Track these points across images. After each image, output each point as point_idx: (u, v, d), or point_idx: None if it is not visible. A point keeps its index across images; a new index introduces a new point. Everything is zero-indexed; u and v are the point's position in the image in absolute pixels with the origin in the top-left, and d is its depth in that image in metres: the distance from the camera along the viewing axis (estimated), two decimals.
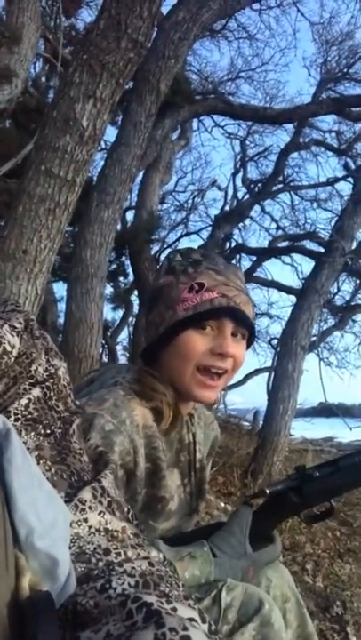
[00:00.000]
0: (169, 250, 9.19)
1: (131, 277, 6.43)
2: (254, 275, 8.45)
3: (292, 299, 5.77)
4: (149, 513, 0.88)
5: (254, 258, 8.42)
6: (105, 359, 7.43)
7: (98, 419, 0.78)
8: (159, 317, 0.87)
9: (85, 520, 0.41)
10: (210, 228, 8.71)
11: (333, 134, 7.56)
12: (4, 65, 3.25)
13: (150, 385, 0.87)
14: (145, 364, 0.93)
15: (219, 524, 0.93)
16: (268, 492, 0.92)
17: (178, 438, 0.93)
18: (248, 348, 0.92)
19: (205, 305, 0.83)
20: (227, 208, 9.19)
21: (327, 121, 7.52)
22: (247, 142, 8.94)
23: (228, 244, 9.00)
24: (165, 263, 0.91)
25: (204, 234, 9.18)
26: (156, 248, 6.95)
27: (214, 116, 7.45)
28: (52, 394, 0.48)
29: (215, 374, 0.85)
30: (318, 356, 6.13)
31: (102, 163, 3.69)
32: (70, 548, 0.39)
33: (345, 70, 6.83)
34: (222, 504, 3.55)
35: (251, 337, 0.90)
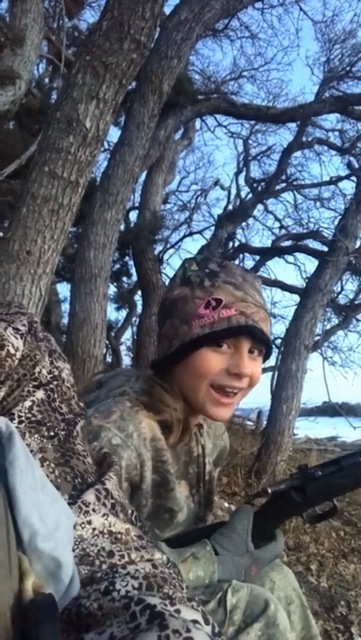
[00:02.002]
0: (173, 250, 9.18)
1: (134, 277, 6.43)
2: (258, 274, 8.44)
3: (296, 298, 5.76)
4: (155, 522, 0.87)
5: (258, 257, 8.40)
6: (109, 359, 7.44)
7: (105, 432, 0.76)
8: (173, 331, 0.84)
9: (89, 522, 0.41)
10: (213, 228, 8.70)
11: (337, 133, 7.54)
12: (7, 66, 3.25)
13: (160, 397, 0.84)
14: (156, 374, 0.89)
15: (220, 524, 0.93)
16: (270, 491, 0.92)
17: (186, 450, 0.91)
18: (264, 362, 0.89)
19: (223, 323, 0.79)
20: (230, 207, 9.18)
21: (330, 119, 7.52)
22: (250, 141, 8.94)
23: (231, 244, 8.99)
24: (180, 272, 0.87)
25: (208, 233, 9.19)
26: (159, 248, 6.96)
27: (217, 116, 7.46)
28: (55, 396, 0.48)
29: (230, 393, 0.83)
30: (322, 355, 6.12)
31: (105, 163, 3.69)
32: (74, 550, 0.39)
33: (348, 69, 6.80)
34: (226, 504, 3.55)
35: (267, 351, 0.88)
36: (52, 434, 0.45)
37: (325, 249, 5.05)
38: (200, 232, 9.70)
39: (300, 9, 6.48)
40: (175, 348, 0.83)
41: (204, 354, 0.81)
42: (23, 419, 0.44)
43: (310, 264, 9.08)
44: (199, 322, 0.80)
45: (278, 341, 7.98)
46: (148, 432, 0.81)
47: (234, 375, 0.81)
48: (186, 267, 0.87)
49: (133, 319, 8.00)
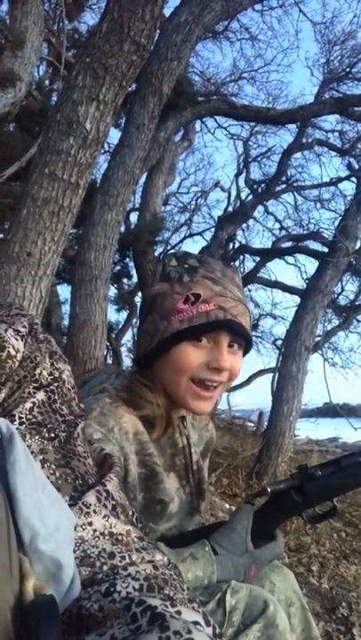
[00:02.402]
0: (170, 251, 9.19)
1: (134, 279, 6.43)
2: (258, 275, 8.44)
3: (296, 299, 5.76)
4: (148, 516, 0.88)
5: (258, 258, 8.41)
6: (110, 361, 7.44)
7: (86, 428, 0.77)
8: (153, 327, 0.84)
9: (90, 524, 0.41)
10: (213, 229, 8.70)
11: (337, 134, 7.55)
12: (7, 69, 3.26)
13: (141, 394, 0.85)
14: (138, 370, 0.91)
15: (220, 524, 0.92)
16: (269, 490, 0.92)
17: (170, 443, 0.92)
18: (244, 356, 0.90)
19: (201, 318, 0.80)
20: (230, 209, 9.19)
21: (330, 121, 7.54)
22: (250, 143, 8.95)
23: (231, 245, 9.00)
24: (160, 268, 0.88)
25: (208, 235, 9.20)
26: (159, 249, 6.95)
27: (217, 118, 7.47)
28: (56, 397, 0.48)
29: (210, 386, 0.83)
30: (323, 356, 6.11)
31: (106, 165, 3.70)
32: (75, 551, 0.39)
33: (348, 70, 6.81)
34: (227, 505, 3.54)
35: (247, 346, 0.89)
36: (52, 435, 0.45)
37: (326, 250, 5.05)
38: (200, 233, 9.71)
39: (300, 10, 6.49)
40: (155, 344, 0.84)
41: (184, 348, 0.81)
42: (24, 420, 0.44)
43: (311, 265, 9.09)
44: (178, 317, 0.81)
45: (279, 343, 7.98)
46: (129, 426, 0.82)
47: (213, 369, 0.81)
48: (165, 263, 0.87)
49: (134, 320, 8.01)
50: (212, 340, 0.82)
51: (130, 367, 0.95)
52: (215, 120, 7.90)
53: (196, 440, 1.00)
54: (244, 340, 0.86)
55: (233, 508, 3.45)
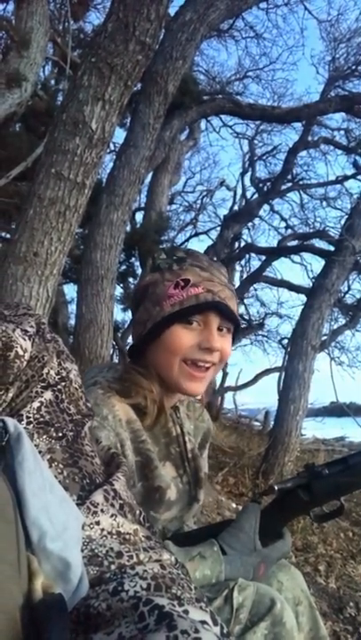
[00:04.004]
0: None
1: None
2: (264, 274, 8.43)
3: (303, 298, 5.74)
4: (149, 504, 0.88)
5: (264, 257, 8.39)
6: (115, 360, 7.46)
7: None
8: (146, 314, 0.88)
9: (97, 523, 0.41)
10: (219, 228, 8.70)
11: (342, 132, 7.52)
12: (13, 69, 3.27)
13: (135, 381, 0.87)
14: (132, 360, 0.94)
15: (227, 522, 0.93)
16: (276, 488, 0.92)
17: (164, 432, 0.94)
18: (234, 342, 0.93)
19: (191, 300, 0.84)
20: (235, 208, 9.18)
21: (336, 119, 7.49)
22: (255, 141, 8.94)
23: (237, 244, 8.99)
24: (150, 262, 0.93)
25: (213, 234, 9.21)
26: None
27: (222, 116, 7.46)
28: (63, 397, 0.48)
29: (203, 367, 0.86)
30: (329, 355, 6.10)
31: (111, 164, 3.70)
32: (82, 550, 0.39)
33: (353, 67, 6.78)
34: (233, 505, 3.54)
35: (236, 331, 0.92)
36: (60, 435, 0.45)
37: (332, 248, 5.03)
38: (206, 232, 9.72)
39: (305, 8, 6.48)
40: (148, 329, 0.87)
41: (176, 331, 0.85)
42: (32, 419, 0.44)
43: (317, 264, 9.06)
44: (169, 301, 0.85)
45: (285, 342, 7.96)
46: (122, 415, 0.84)
47: (205, 349, 0.85)
48: (155, 256, 0.92)
49: None
50: (203, 322, 0.85)
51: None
52: (220, 119, 7.89)
53: (191, 430, 1.01)
54: (232, 324, 0.89)
55: (240, 508, 3.45)
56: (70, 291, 7.09)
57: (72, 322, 6.01)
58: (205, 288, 0.85)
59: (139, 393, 0.87)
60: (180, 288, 0.85)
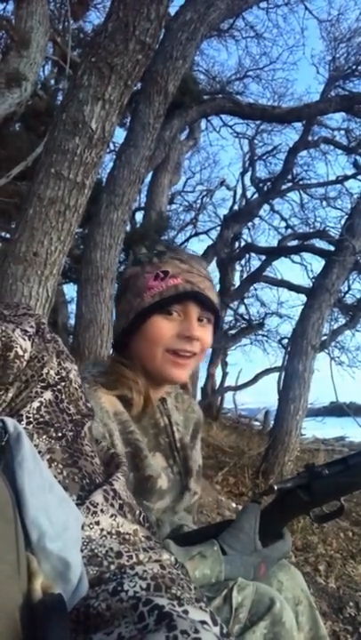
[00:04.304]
0: None
1: None
2: (264, 274, 8.43)
3: (303, 298, 5.74)
4: (141, 494, 0.89)
5: (264, 257, 8.39)
6: None
7: None
8: (128, 306, 0.90)
9: (97, 523, 0.41)
10: (219, 228, 8.71)
11: (343, 132, 7.52)
12: (13, 68, 3.27)
13: (120, 373, 0.90)
14: (117, 353, 0.96)
15: (227, 522, 0.92)
16: (276, 488, 0.92)
17: (152, 423, 0.95)
18: (215, 332, 0.95)
19: (171, 291, 0.86)
20: (236, 207, 9.18)
21: (336, 119, 7.50)
22: (256, 141, 8.94)
23: (237, 244, 8.99)
24: (132, 257, 0.94)
25: (213, 234, 9.21)
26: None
27: (222, 116, 7.47)
28: (63, 397, 0.48)
29: (184, 356, 0.88)
30: (329, 355, 6.10)
31: (111, 164, 3.70)
32: (82, 550, 0.39)
33: (354, 67, 6.78)
34: (233, 504, 3.54)
35: (216, 321, 0.94)
36: (59, 435, 0.45)
37: (332, 248, 5.03)
38: (206, 232, 9.72)
39: (306, 8, 6.48)
40: (130, 320, 0.89)
41: (156, 321, 0.87)
42: (31, 420, 0.44)
43: (317, 264, 9.06)
44: (150, 292, 0.87)
45: (285, 341, 7.96)
46: (109, 406, 0.86)
47: (185, 338, 0.87)
48: (136, 252, 0.93)
49: None
50: (182, 313, 0.88)
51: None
52: (221, 118, 7.89)
53: (181, 421, 1.02)
54: (212, 315, 0.91)
55: (239, 507, 3.45)
56: (70, 290, 7.09)
57: (72, 321, 6.01)
58: (184, 279, 0.87)
59: (124, 384, 0.89)
60: (159, 279, 0.87)
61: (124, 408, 0.88)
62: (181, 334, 0.87)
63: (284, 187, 8.25)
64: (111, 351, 1.01)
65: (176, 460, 0.97)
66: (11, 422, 0.38)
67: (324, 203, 8.38)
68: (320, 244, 6.87)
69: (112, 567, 0.39)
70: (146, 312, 0.87)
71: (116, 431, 0.85)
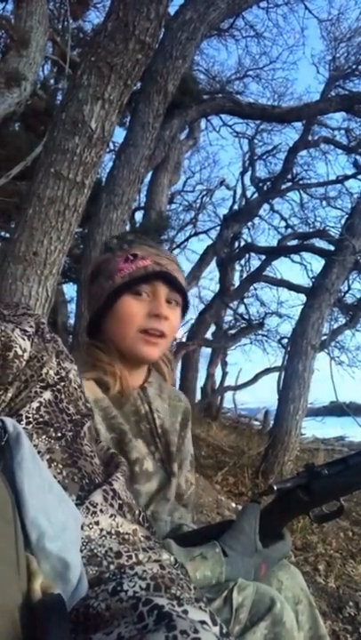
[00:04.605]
0: (179, 250, 9.18)
1: None
2: (264, 274, 8.43)
3: (302, 297, 5.74)
4: (130, 478, 0.89)
5: (263, 257, 8.39)
6: None
7: None
8: (100, 289, 0.94)
9: (97, 523, 0.41)
10: (219, 228, 8.70)
11: (343, 131, 7.52)
12: (12, 68, 3.27)
13: (95, 356, 0.93)
14: (90, 338, 0.99)
15: (227, 523, 0.93)
16: (275, 488, 0.92)
17: (133, 410, 0.96)
18: (183, 316, 1.00)
19: (140, 271, 0.91)
20: (235, 207, 9.18)
21: (336, 118, 7.50)
22: (255, 141, 8.93)
23: (237, 244, 8.99)
24: (103, 247, 1.00)
25: (213, 233, 9.21)
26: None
27: (222, 116, 7.46)
28: (62, 397, 0.48)
29: (155, 335, 0.92)
30: (329, 354, 6.10)
31: (111, 164, 3.70)
32: (82, 550, 0.39)
33: (354, 67, 6.79)
34: (233, 504, 3.54)
35: (185, 305, 0.98)
36: (59, 435, 0.45)
37: (332, 248, 5.04)
38: (206, 232, 9.72)
39: (306, 7, 6.48)
40: (102, 302, 0.93)
41: (127, 301, 0.91)
42: (31, 420, 0.44)
43: (317, 263, 9.05)
44: (120, 274, 0.92)
45: (285, 341, 7.96)
46: (89, 394, 0.87)
47: (154, 317, 0.91)
48: (106, 242, 0.99)
49: None
50: (151, 293, 0.92)
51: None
52: (220, 118, 7.89)
53: (165, 409, 1.02)
54: (180, 296, 0.96)
55: (239, 507, 3.45)
56: (70, 290, 7.09)
57: (71, 321, 6.01)
58: (153, 260, 0.92)
59: (98, 367, 0.92)
60: (129, 262, 0.92)
61: (103, 394, 0.90)
62: (151, 313, 0.91)
63: (283, 186, 8.26)
64: (83, 338, 1.04)
65: (158, 447, 0.98)
66: (10, 422, 0.38)
67: (324, 202, 8.39)
68: (320, 243, 6.88)
69: (111, 567, 0.39)
70: (117, 292, 0.91)
71: (98, 416, 0.87)
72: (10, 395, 0.45)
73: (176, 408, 1.07)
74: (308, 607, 0.93)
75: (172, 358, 1.12)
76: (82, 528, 0.40)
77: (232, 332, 9.90)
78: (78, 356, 0.91)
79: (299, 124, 7.22)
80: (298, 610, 0.91)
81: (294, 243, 8.18)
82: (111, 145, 5.06)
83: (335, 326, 6.99)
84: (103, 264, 0.96)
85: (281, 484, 0.93)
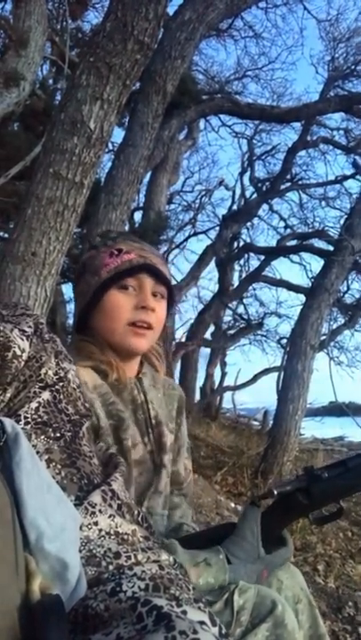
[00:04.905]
0: (178, 250, 9.18)
1: None
2: (263, 274, 8.43)
3: (302, 298, 5.75)
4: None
5: (263, 257, 8.40)
6: None
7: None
8: (86, 286, 0.95)
9: (95, 523, 0.41)
10: (218, 228, 8.70)
11: (342, 132, 7.52)
12: (11, 68, 3.26)
13: (88, 349, 0.94)
14: (79, 334, 1.00)
15: (228, 525, 0.93)
16: (275, 492, 0.92)
17: (130, 399, 0.98)
18: (169, 308, 1.02)
19: (125, 265, 0.93)
20: (234, 207, 9.17)
21: (335, 118, 7.50)
22: (254, 141, 8.93)
23: (236, 244, 8.99)
24: (88, 245, 1.02)
25: (212, 233, 9.20)
26: (164, 248, 6.96)
27: (221, 116, 7.46)
28: (61, 397, 0.48)
29: (142, 327, 0.94)
30: (328, 355, 6.10)
31: (110, 164, 3.70)
32: (80, 551, 0.39)
33: (353, 67, 6.79)
34: (232, 504, 3.54)
35: (170, 297, 1.00)
36: (58, 435, 0.45)
37: (331, 248, 5.04)
38: (205, 232, 9.71)
39: (305, 8, 6.49)
40: (89, 297, 0.95)
41: (113, 295, 0.93)
42: (29, 420, 0.44)
43: (316, 263, 9.05)
44: (106, 269, 0.93)
45: (284, 341, 7.97)
46: (88, 379, 0.89)
47: (141, 309, 0.93)
48: (91, 240, 1.01)
49: None
50: (137, 287, 0.94)
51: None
52: (219, 118, 7.88)
53: (159, 399, 1.04)
54: (165, 288, 0.97)
55: (238, 507, 3.45)
56: (69, 290, 7.08)
57: (70, 321, 6.00)
58: (138, 254, 0.94)
59: (93, 358, 0.93)
60: (114, 256, 0.93)
61: (102, 380, 0.92)
62: (138, 305, 0.92)
63: (283, 186, 8.26)
64: (73, 335, 1.04)
65: (150, 438, 0.98)
66: (9, 423, 0.37)
67: (323, 203, 8.39)
68: (319, 243, 6.88)
69: (110, 567, 0.39)
70: (104, 286, 0.92)
71: (97, 402, 0.88)
72: (8, 395, 0.45)
73: (171, 396, 1.08)
74: (308, 606, 0.93)
75: (162, 353, 1.13)
76: (81, 528, 0.40)
77: (231, 332, 9.90)
78: (71, 350, 0.92)
79: (298, 125, 7.22)
80: (298, 609, 0.91)
81: (293, 243, 8.19)
82: (110, 145, 5.06)
83: (334, 326, 7.00)
84: (88, 261, 0.97)
85: (281, 487, 0.93)
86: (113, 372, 0.93)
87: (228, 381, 9.52)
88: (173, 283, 1.04)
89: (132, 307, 0.93)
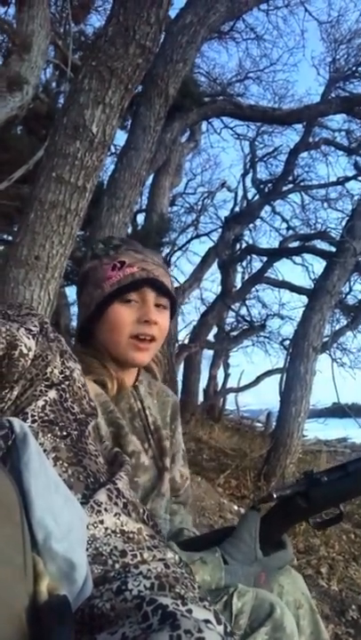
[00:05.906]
0: (180, 253, 9.18)
1: None
2: (265, 275, 8.43)
3: (304, 299, 5.74)
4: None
5: (265, 258, 8.39)
6: None
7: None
8: (89, 298, 0.96)
9: (101, 522, 0.42)
10: (220, 230, 8.70)
11: (343, 133, 7.52)
12: (14, 72, 3.28)
13: (88, 362, 0.94)
14: (82, 344, 1.00)
15: (229, 529, 0.93)
16: (275, 496, 0.92)
17: (127, 408, 0.99)
18: (172, 318, 1.01)
19: (128, 279, 0.92)
20: (237, 209, 9.18)
21: (337, 120, 7.50)
22: (256, 143, 8.94)
23: (238, 245, 8.99)
24: (89, 252, 1.01)
25: (215, 235, 9.20)
26: (166, 250, 6.96)
27: (223, 118, 7.46)
28: (67, 395, 0.49)
29: (145, 340, 0.94)
30: (331, 356, 6.09)
31: (112, 167, 3.70)
32: (87, 549, 0.39)
33: (354, 69, 6.79)
34: (235, 507, 3.54)
35: (173, 307, 1.00)
36: (64, 433, 0.46)
37: (333, 250, 5.03)
38: (207, 234, 9.71)
39: (306, 10, 6.50)
40: (92, 310, 0.95)
41: (117, 308, 0.93)
42: (36, 418, 0.45)
43: (318, 265, 9.06)
44: (109, 282, 0.93)
45: (287, 343, 7.96)
46: (89, 388, 0.87)
47: (144, 322, 0.93)
48: (93, 247, 1.00)
49: None
50: (140, 299, 0.94)
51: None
52: (221, 120, 7.89)
53: (155, 405, 1.05)
54: (168, 300, 0.97)
55: (241, 510, 3.44)
56: (72, 293, 7.09)
57: (74, 323, 6.00)
58: (140, 267, 0.93)
59: (94, 371, 0.93)
60: (117, 269, 0.93)
61: (102, 390, 0.92)
62: (140, 319, 0.93)
63: (285, 188, 8.26)
64: (75, 345, 1.04)
65: (150, 444, 0.99)
66: (17, 423, 0.38)
67: (325, 204, 8.39)
68: (321, 245, 6.87)
69: (117, 566, 0.39)
70: (106, 300, 0.93)
71: (98, 409, 0.88)
72: (15, 393, 0.45)
73: (165, 403, 1.09)
74: (310, 612, 0.93)
75: (162, 358, 1.14)
76: (87, 527, 0.40)
77: (234, 333, 9.88)
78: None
79: (299, 126, 7.23)
80: (299, 614, 0.90)
81: (296, 244, 8.18)
82: (112, 148, 5.07)
83: (337, 328, 6.99)
84: (91, 272, 0.97)
85: (280, 491, 0.93)
86: (113, 385, 0.94)
87: (231, 383, 9.51)
88: (176, 285, 1.03)
89: (135, 320, 0.93)
